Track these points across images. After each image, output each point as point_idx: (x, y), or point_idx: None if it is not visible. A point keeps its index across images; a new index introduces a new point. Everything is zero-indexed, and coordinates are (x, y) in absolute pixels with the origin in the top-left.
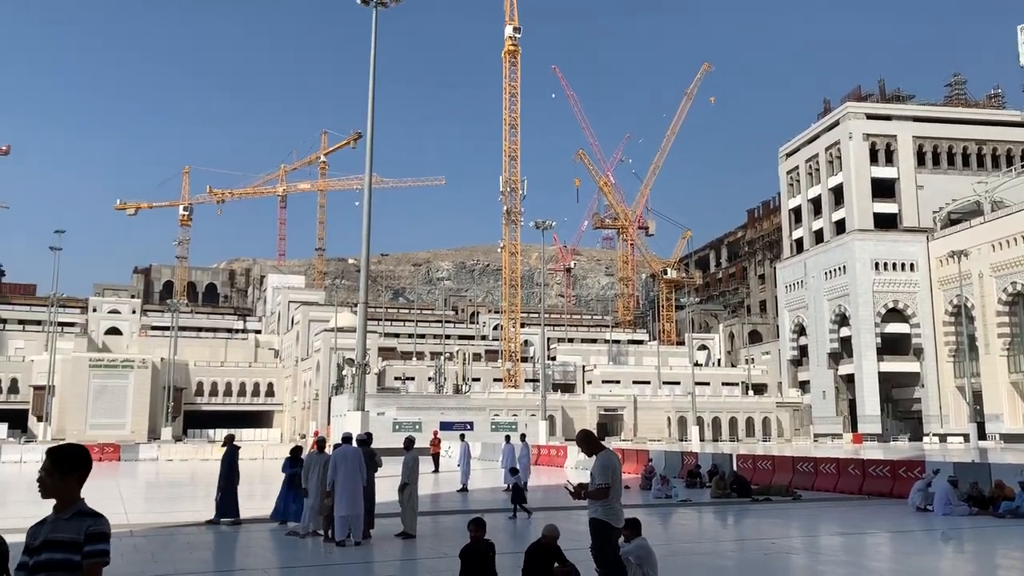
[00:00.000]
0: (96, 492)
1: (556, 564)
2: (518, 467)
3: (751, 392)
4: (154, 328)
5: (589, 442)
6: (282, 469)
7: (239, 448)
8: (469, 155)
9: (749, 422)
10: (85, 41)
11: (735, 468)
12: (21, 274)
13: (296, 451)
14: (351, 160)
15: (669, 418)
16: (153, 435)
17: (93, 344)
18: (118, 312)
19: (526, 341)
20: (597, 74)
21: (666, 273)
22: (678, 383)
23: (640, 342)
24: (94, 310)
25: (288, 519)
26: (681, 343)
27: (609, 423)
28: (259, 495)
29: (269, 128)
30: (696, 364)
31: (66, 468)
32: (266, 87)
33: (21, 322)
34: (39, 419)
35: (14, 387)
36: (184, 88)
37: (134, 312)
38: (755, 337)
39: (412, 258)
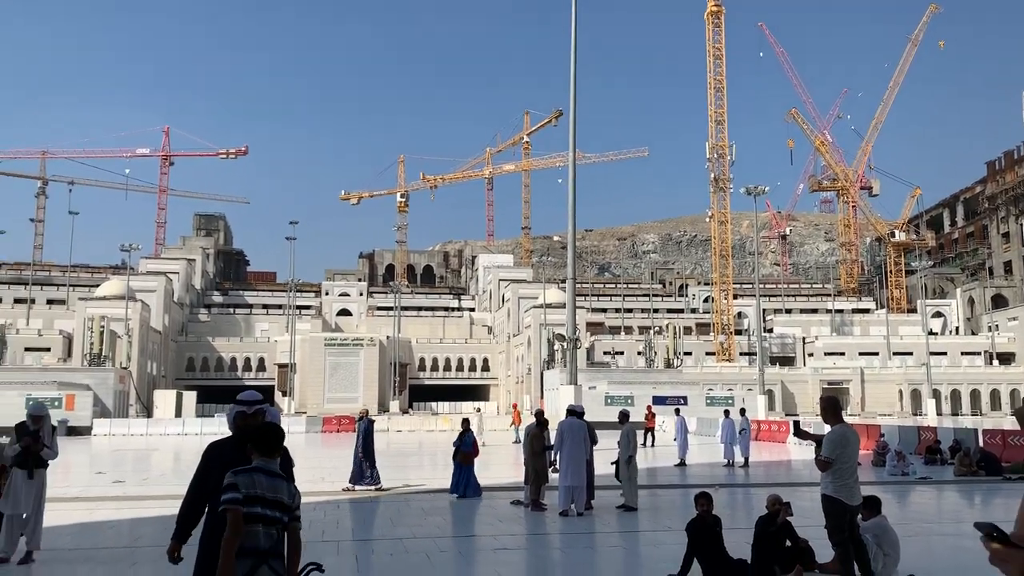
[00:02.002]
0: (338, 460)
1: (788, 542)
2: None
3: (996, 362)
4: (379, 308)
5: (832, 411)
6: (453, 444)
7: (374, 422)
8: (673, 123)
9: (994, 394)
10: (307, 46)
11: (981, 444)
12: (262, 262)
13: (465, 423)
14: (553, 138)
15: (901, 391)
16: (382, 408)
17: (327, 325)
18: (347, 295)
19: (739, 313)
20: (807, 27)
21: (894, 235)
22: (910, 353)
23: (866, 311)
24: (326, 293)
25: (459, 492)
26: (913, 310)
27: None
28: (479, 465)
29: (474, 113)
30: (931, 332)
31: (250, 439)
32: (470, 73)
33: (265, 306)
34: (284, 394)
35: (261, 365)
36: (396, 80)
37: (361, 294)
38: (999, 302)
39: (617, 232)
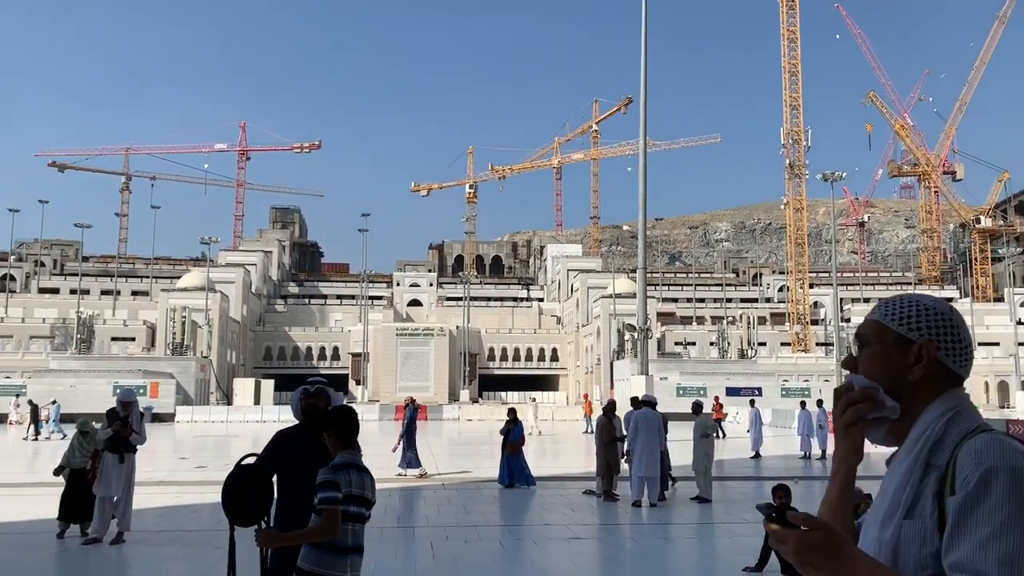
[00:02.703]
0: None
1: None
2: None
3: None
4: (448, 299)
5: None
6: (500, 432)
7: (419, 408)
8: (745, 109)
9: None
10: (376, 43)
11: None
12: (336, 254)
13: (512, 413)
14: (623, 126)
15: (987, 383)
16: (453, 397)
17: (398, 315)
18: (417, 285)
19: (816, 303)
20: (886, 6)
21: (979, 222)
22: (997, 344)
23: (949, 300)
24: (397, 284)
25: (508, 482)
26: (1000, 299)
27: None
28: (550, 455)
29: (543, 103)
30: (1019, 322)
31: (327, 426)
32: (538, 63)
33: (339, 297)
34: (357, 383)
35: (336, 354)
36: (465, 72)
37: (431, 285)
38: None
39: (688, 221)
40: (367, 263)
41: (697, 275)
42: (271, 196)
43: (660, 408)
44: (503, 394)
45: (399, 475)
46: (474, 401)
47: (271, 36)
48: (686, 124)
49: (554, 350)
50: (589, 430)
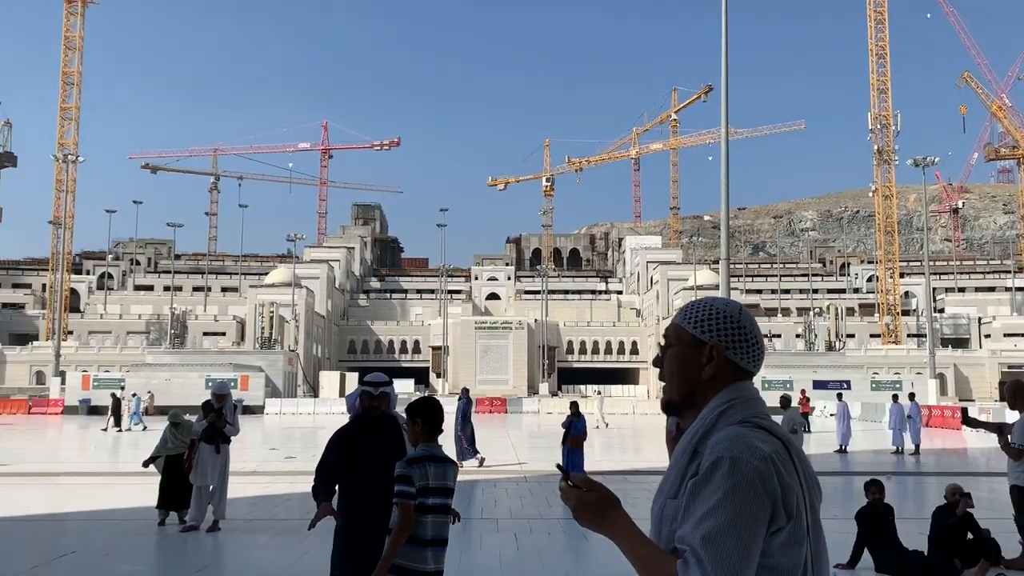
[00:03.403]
0: (491, 440)
1: (969, 535)
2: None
3: None
4: (526, 292)
5: (1021, 397)
6: (562, 425)
7: (471, 400)
8: (831, 94)
9: None
10: (453, 40)
11: None
12: (415, 249)
13: (574, 406)
14: (703, 114)
15: None
16: (532, 390)
17: (476, 308)
18: (495, 279)
19: (907, 292)
20: None
21: None
22: None
23: None
24: (475, 278)
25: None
26: None
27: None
28: (631, 449)
29: (620, 94)
30: None
31: (411, 414)
32: (615, 54)
33: (418, 291)
34: (437, 375)
35: (416, 348)
36: (541, 66)
37: (509, 278)
38: None
39: (772, 210)
40: (446, 257)
41: (782, 265)
42: (353, 193)
43: None
44: (582, 387)
45: (483, 465)
46: (553, 394)
47: (351, 36)
48: (769, 110)
49: (634, 343)
50: None
